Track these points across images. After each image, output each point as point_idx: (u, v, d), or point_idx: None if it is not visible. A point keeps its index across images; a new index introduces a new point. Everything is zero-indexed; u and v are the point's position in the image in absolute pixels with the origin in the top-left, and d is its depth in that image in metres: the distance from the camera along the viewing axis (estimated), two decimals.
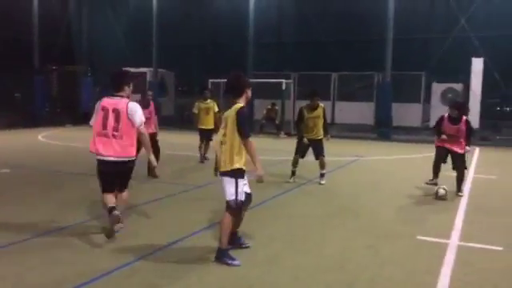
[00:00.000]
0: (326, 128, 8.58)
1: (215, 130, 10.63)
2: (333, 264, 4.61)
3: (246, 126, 4.45)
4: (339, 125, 19.12)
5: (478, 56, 17.17)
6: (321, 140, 8.49)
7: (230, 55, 21.25)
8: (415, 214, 6.68)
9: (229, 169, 4.44)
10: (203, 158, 10.67)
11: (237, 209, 4.51)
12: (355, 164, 11.19)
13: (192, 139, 9.63)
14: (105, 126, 5.02)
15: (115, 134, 5.00)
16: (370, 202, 7.36)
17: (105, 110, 5.07)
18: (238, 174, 4.44)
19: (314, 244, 5.23)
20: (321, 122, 8.40)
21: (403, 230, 5.84)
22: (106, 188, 5.13)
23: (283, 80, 18.37)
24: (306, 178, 8.89)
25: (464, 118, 7.84)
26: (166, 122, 20.47)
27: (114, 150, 5.00)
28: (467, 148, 7.82)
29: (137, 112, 5.08)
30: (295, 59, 21.16)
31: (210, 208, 6.44)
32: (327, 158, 8.63)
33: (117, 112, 5.02)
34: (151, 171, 8.41)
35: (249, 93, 4.64)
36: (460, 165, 7.77)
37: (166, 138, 13.02)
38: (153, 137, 8.02)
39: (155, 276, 4.20)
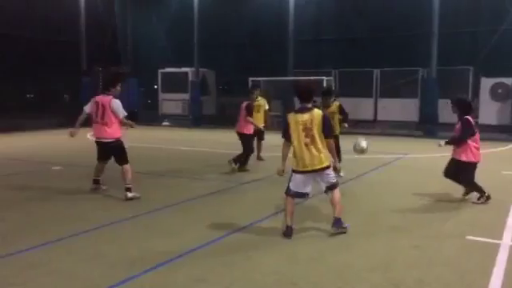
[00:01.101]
0: (346, 119, 8.93)
1: (265, 127, 10.70)
2: (378, 263, 4.53)
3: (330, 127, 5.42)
4: (382, 122, 18.72)
5: None
6: (336, 137, 8.40)
7: (270, 53, 21.25)
8: (464, 214, 6.44)
9: (328, 163, 5.26)
10: (259, 157, 10.72)
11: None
12: (400, 162, 10.93)
13: (237, 138, 9.74)
14: (96, 116, 6.98)
15: (102, 121, 6.93)
16: (415, 200, 7.17)
17: (97, 104, 6.98)
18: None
19: (358, 242, 5.15)
20: (336, 117, 8.67)
21: (452, 229, 5.66)
22: (99, 157, 7.39)
23: (324, 77, 18.18)
24: (349, 176, 8.77)
25: (464, 117, 6.80)
26: (207, 121, 20.83)
27: (101, 133, 7.01)
28: (440, 142, 6.89)
29: (119, 107, 6.94)
30: (336, 56, 20.87)
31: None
32: (370, 156, 8.48)
33: (103, 106, 6.91)
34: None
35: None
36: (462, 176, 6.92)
37: (208, 137, 13.25)
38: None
39: (201, 272, 4.27)
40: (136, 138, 15.75)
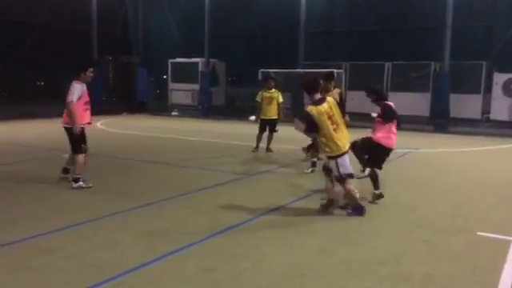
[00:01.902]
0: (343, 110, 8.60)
1: (278, 119, 10.65)
2: (387, 257, 4.51)
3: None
4: None
5: None
6: None
7: (280, 45, 21.14)
8: (475, 210, 6.38)
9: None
10: (256, 149, 10.70)
11: None
12: (410, 156, 10.85)
13: (245, 129, 9.71)
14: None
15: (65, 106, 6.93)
16: (425, 195, 7.12)
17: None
18: None
19: (367, 236, 5.14)
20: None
21: (462, 225, 5.61)
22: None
23: (334, 70, 18.05)
24: (355, 170, 8.72)
25: (384, 102, 6.68)
26: (216, 112, 20.84)
27: (63, 118, 7.01)
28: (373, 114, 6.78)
29: (71, 91, 6.86)
30: (346, 48, 20.70)
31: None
32: None
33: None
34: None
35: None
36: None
37: (215, 128, 13.23)
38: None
39: (209, 261, 4.29)
40: (145, 128, 15.83)
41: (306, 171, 8.44)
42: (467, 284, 4.00)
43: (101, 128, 15.69)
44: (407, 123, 17.70)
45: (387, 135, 6.51)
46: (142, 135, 14.06)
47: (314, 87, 5.77)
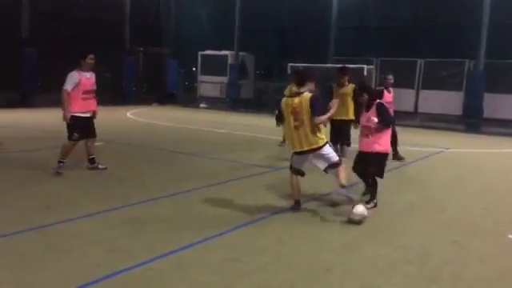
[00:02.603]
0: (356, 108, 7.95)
1: None
2: (414, 256, 4.46)
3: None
4: (423, 114, 18.21)
5: None
6: (348, 122, 8.09)
7: (311, 39, 20.95)
8: (506, 212, 6.22)
9: (321, 144, 5.46)
10: (283, 142, 10.65)
11: None
12: (440, 156, 10.64)
13: (272, 122, 9.72)
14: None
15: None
16: (455, 195, 6.98)
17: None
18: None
19: (395, 234, 5.09)
20: (349, 100, 8.10)
21: (493, 227, 5.49)
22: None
23: (364, 65, 17.82)
24: (388, 166, 8.63)
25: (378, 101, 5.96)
26: (244, 105, 20.89)
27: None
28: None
29: (67, 79, 6.93)
30: (378, 44, 20.32)
31: None
32: (409, 148, 8.29)
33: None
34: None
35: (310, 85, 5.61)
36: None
37: (243, 121, 13.22)
38: None
39: (235, 252, 4.34)
40: (174, 119, 16.04)
41: None
42: (495, 287, 3.92)
43: (131, 118, 15.99)
44: (438, 122, 17.42)
45: (388, 140, 5.92)
46: (171, 126, 14.25)
47: (302, 80, 5.60)
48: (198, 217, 5.38)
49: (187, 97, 22.88)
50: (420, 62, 18.86)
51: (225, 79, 21.87)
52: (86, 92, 7.07)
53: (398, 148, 9.16)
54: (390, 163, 8.88)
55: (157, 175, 7.43)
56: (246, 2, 20.78)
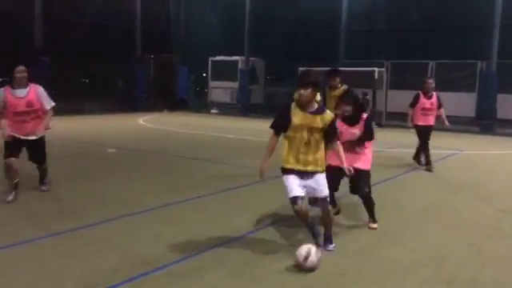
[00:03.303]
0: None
1: None
2: (429, 259, 4.43)
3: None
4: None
5: None
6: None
7: (321, 43, 20.95)
8: None
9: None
10: None
11: None
12: (454, 158, 10.55)
13: None
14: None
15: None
16: (470, 198, 6.92)
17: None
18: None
19: (410, 237, 5.06)
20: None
21: (509, 229, 5.44)
22: None
23: (375, 68, 17.77)
24: (399, 170, 8.59)
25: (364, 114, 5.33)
26: (255, 110, 20.94)
27: None
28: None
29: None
30: (389, 47, 20.25)
31: None
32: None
33: None
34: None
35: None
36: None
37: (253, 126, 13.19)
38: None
39: (248, 257, 4.35)
40: (185, 125, 16.13)
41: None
42: None
43: (142, 124, 16.12)
44: (452, 123, 17.22)
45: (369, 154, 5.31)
46: (182, 132, 14.34)
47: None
48: (213, 221, 5.40)
49: (198, 102, 23.00)
50: (431, 63, 18.75)
51: (235, 84, 21.96)
52: (17, 114, 5.85)
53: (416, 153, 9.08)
54: (404, 166, 8.85)
55: (171, 181, 7.48)
56: (255, 7, 20.88)
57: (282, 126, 4.38)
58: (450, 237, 5.11)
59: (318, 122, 4.29)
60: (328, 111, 4.46)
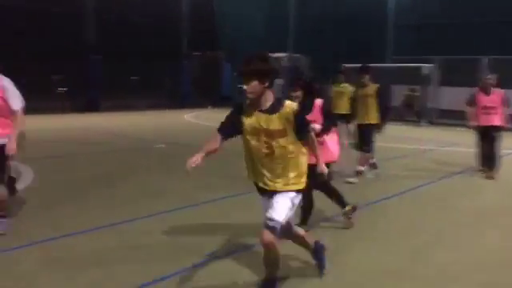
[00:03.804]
0: (383, 113, 7.22)
1: (350, 115, 10.34)
2: (488, 264, 4.24)
3: None
4: None
5: None
6: (369, 126, 7.22)
7: (367, 39, 20.54)
8: None
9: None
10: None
11: None
12: (510, 158, 10.04)
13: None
14: None
15: None
16: None
17: None
18: None
19: (466, 240, 4.86)
20: (371, 102, 7.13)
21: None
22: None
23: (424, 64, 17.24)
24: (456, 170, 8.28)
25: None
26: None
27: None
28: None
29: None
30: (439, 42, 19.58)
31: None
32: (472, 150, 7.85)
33: None
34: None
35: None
36: None
37: None
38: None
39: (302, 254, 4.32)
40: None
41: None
42: None
43: (188, 120, 16.41)
44: (508, 122, 16.41)
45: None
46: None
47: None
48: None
49: (241, 99, 23.07)
50: (484, 59, 17.95)
51: (280, 81, 21.88)
52: None
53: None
54: (459, 165, 8.52)
55: (220, 175, 7.49)
56: (300, 4, 20.73)
57: (230, 131, 3.43)
58: (507, 241, 4.88)
59: (276, 122, 3.16)
60: (288, 102, 3.26)
